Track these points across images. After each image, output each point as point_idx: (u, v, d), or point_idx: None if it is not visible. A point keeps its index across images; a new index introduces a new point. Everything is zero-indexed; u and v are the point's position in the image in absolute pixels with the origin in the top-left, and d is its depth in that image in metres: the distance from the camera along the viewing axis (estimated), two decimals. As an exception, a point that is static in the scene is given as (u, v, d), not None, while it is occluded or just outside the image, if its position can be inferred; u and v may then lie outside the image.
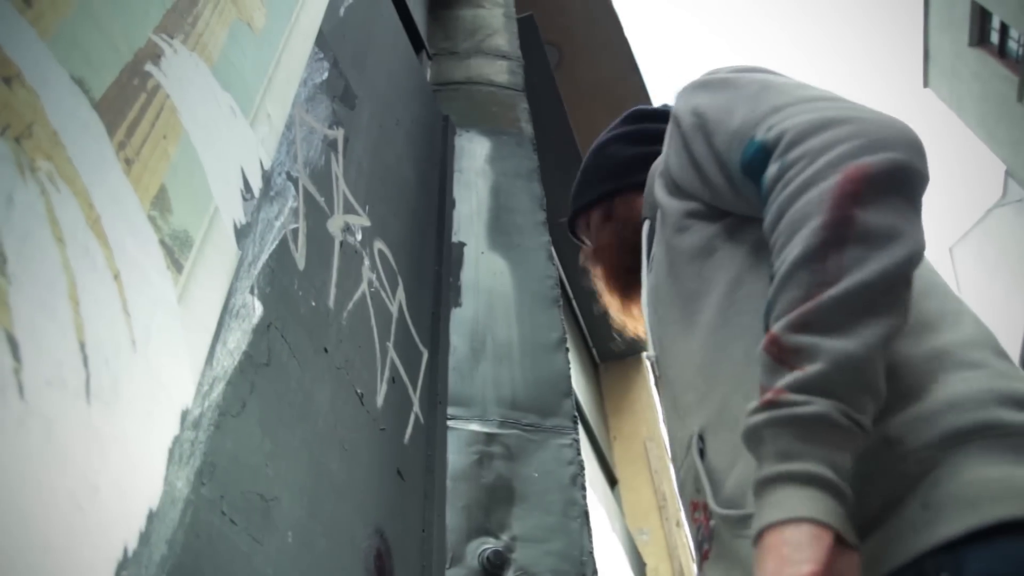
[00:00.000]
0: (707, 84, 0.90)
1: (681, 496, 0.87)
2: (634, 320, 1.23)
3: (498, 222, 2.27)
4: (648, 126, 1.21)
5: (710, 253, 0.87)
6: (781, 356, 0.62)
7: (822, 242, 0.63)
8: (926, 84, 14.68)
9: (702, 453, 0.80)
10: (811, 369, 0.60)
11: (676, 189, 0.93)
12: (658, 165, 1.02)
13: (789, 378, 0.60)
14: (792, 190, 0.68)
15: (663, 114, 1.22)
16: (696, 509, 0.81)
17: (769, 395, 0.61)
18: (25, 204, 0.67)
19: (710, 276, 0.86)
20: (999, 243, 15.81)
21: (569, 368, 2.00)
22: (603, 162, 1.23)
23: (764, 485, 0.59)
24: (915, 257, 0.63)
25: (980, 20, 12.32)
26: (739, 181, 0.80)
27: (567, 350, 2.03)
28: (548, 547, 1.57)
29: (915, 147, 0.66)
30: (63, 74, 0.77)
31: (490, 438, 1.74)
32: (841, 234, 0.63)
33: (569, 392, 1.94)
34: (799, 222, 0.65)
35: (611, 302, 1.23)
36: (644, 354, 0.97)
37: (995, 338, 0.73)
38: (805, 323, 0.61)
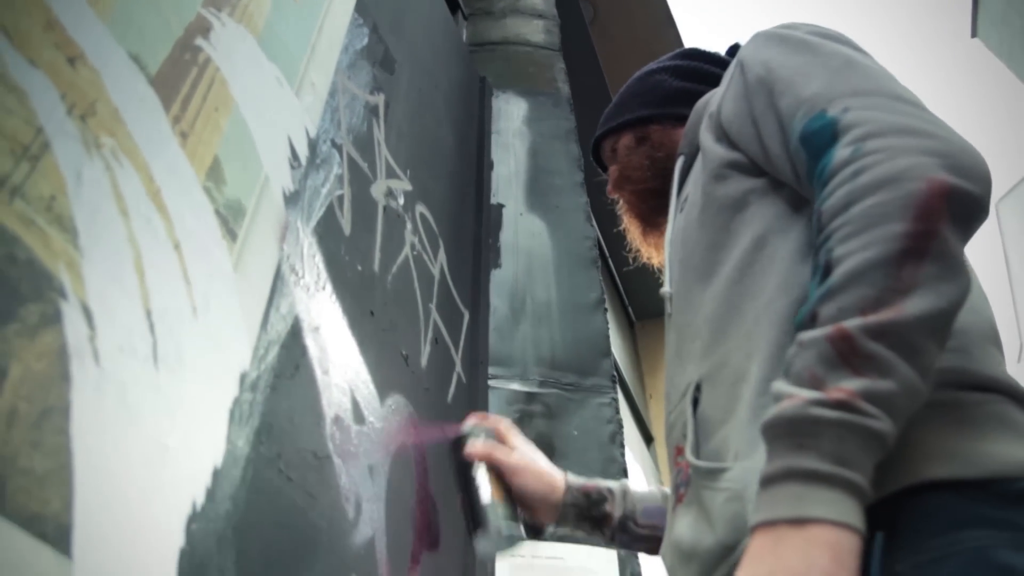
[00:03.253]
0: (785, 40, 0.86)
1: (668, 438, 0.89)
2: (650, 249, 1.22)
3: (536, 184, 2.29)
4: (701, 65, 1.19)
5: (742, 208, 0.87)
6: (849, 356, 0.61)
7: (904, 250, 0.62)
8: (974, 34, 14.18)
9: (696, 402, 0.82)
10: (883, 385, 0.60)
11: (723, 136, 0.92)
12: (708, 105, 0.99)
13: (861, 384, 0.60)
14: (869, 180, 0.66)
15: (718, 58, 1.20)
16: (680, 454, 0.83)
17: (841, 395, 0.61)
18: (92, 180, 0.71)
19: (737, 230, 0.86)
20: (1048, 197, 15.36)
21: (608, 328, 2.02)
22: (647, 88, 1.20)
23: (814, 478, 0.60)
24: (967, 295, 0.64)
25: (1034, -36, 11.82)
26: (793, 149, 0.79)
27: (605, 310, 2.05)
28: (588, 503, 1.61)
29: (988, 184, 0.67)
30: (121, 52, 0.80)
31: (530, 397, 1.78)
32: (923, 247, 0.62)
33: (608, 352, 1.96)
34: (878, 218, 0.64)
35: (632, 226, 1.22)
36: (661, 290, 0.98)
37: (987, 325, 0.76)
38: (883, 333, 0.61)
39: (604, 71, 3.94)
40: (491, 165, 2.27)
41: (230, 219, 0.92)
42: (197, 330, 0.81)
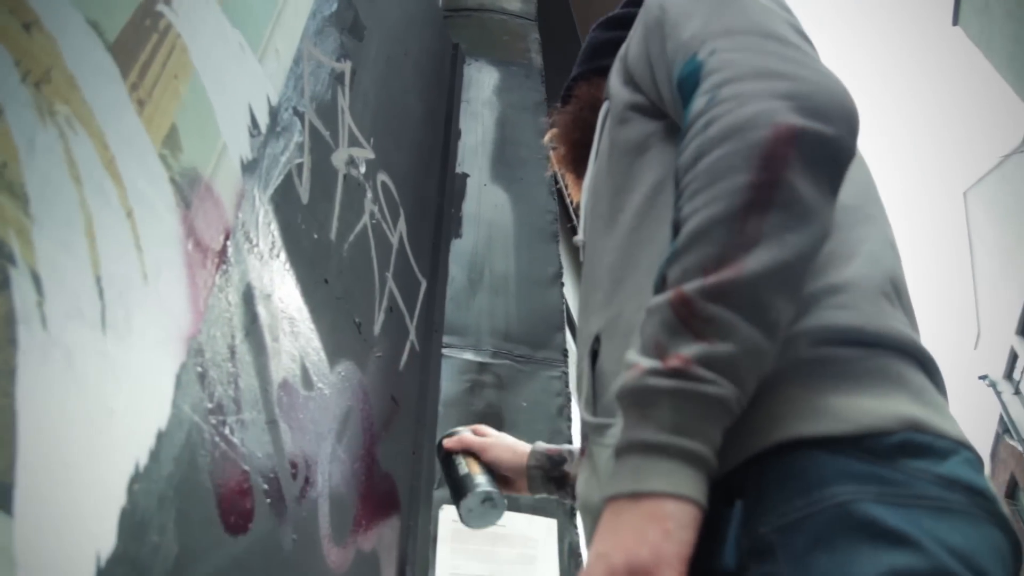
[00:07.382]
0: None
1: (577, 395, 0.87)
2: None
3: (502, 155, 2.30)
4: (629, 10, 1.13)
5: (644, 151, 0.84)
6: (689, 320, 0.59)
7: (746, 202, 0.59)
8: (956, 22, 14.28)
9: (595, 355, 0.79)
10: (723, 348, 0.58)
11: (629, 79, 0.90)
12: (623, 49, 0.97)
13: (698, 349, 0.58)
14: (717, 132, 0.63)
15: None
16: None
17: (677, 362, 0.58)
18: (45, 147, 0.72)
19: (637, 175, 0.83)
20: (1015, 191, 15.64)
21: (563, 302, 2.06)
22: (582, 50, 1.19)
23: (651, 449, 0.58)
24: (822, 242, 0.62)
25: (1017, -45, 11.89)
26: (675, 95, 0.76)
27: (562, 284, 2.09)
28: (531, 473, 1.66)
29: (851, 123, 0.63)
30: (79, 17, 0.81)
31: (482, 367, 1.82)
32: (767, 198, 0.59)
33: (561, 326, 2.00)
34: (722, 172, 0.61)
35: (567, 180, 1.20)
36: (574, 238, 0.97)
37: (882, 276, 0.72)
38: (722, 294, 0.58)
39: (582, 42, 3.94)
40: (458, 134, 2.28)
41: (185, 187, 0.93)
42: (147, 296, 0.83)
